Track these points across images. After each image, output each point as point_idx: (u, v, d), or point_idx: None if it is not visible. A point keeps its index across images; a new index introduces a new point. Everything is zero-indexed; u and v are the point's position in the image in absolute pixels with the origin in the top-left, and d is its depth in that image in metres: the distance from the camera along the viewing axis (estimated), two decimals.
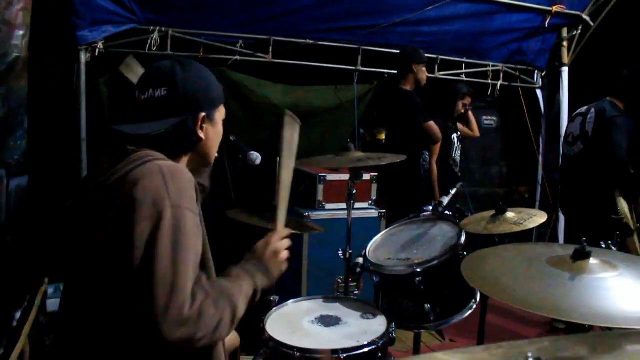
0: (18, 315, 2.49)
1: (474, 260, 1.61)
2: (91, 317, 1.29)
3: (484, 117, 5.71)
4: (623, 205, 3.23)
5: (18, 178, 2.62)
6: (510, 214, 2.14)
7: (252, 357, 2.26)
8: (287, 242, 1.60)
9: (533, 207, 5.35)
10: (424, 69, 3.93)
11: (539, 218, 2.08)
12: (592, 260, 1.42)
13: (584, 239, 1.44)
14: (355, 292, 3.35)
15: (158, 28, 3.70)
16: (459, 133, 4.37)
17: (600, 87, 3.64)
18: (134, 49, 3.67)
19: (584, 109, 3.62)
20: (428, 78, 4.07)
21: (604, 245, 2.13)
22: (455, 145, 4.34)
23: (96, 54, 3.50)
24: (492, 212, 2.19)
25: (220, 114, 1.57)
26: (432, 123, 3.73)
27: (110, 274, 1.25)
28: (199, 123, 1.47)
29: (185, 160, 1.51)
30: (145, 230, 1.21)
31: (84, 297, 1.32)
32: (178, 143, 1.46)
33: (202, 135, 1.49)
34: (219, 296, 1.27)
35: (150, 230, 1.21)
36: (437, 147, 4.06)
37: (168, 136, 1.42)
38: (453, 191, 2.33)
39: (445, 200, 2.25)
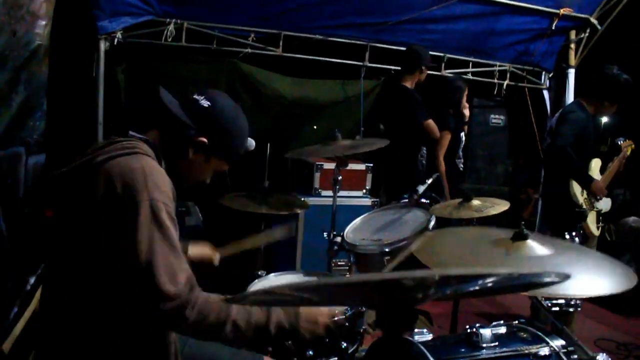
0: (32, 280, 2.71)
1: (428, 238, 1.77)
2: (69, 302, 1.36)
3: (492, 116, 5.80)
4: (575, 188, 3.37)
5: (36, 156, 2.84)
6: (475, 202, 2.28)
7: None
8: (330, 321, 1.54)
9: (536, 205, 5.43)
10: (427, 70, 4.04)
11: (500, 206, 2.21)
12: (530, 242, 1.58)
13: (523, 222, 1.59)
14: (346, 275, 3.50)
15: (174, 20, 3.90)
16: (466, 130, 4.46)
17: None
18: (150, 39, 3.89)
19: None
20: (435, 76, 4.17)
21: (567, 237, 2.26)
22: (462, 143, 4.43)
23: (115, 44, 3.72)
24: (460, 199, 2.33)
25: (219, 165, 1.59)
26: (431, 121, 3.81)
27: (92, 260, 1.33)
28: (195, 143, 1.50)
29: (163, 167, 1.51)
30: (129, 222, 1.27)
31: (64, 279, 1.39)
32: (166, 142, 1.50)
33: (189, 154, 1.51)
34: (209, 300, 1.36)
35: (131, 221, 1.27)
36: (446, 144, 4.13)
37: (166, 129, 1.50)
38: (429, 180, 2.48)
39: (421, 188, 2.40)
